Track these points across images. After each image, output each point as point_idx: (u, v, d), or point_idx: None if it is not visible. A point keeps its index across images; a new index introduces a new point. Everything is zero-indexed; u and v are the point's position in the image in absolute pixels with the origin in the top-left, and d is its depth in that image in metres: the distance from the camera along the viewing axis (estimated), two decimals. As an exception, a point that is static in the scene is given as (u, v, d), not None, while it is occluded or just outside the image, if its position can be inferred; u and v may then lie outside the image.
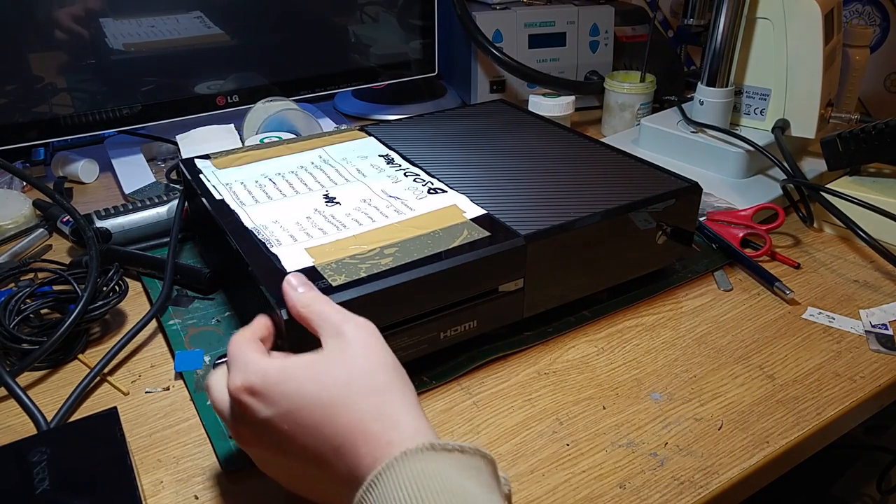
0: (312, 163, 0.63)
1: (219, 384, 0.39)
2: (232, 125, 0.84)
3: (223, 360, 0.46)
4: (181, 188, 0.68)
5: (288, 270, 0.45)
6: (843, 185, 0.70)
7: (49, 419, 0.46)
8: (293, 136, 0.78)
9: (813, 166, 0.79)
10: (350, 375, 0.35)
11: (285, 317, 0.41)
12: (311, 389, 0.34)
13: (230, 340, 0.38)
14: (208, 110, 0.85)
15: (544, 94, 0.90)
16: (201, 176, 0.61)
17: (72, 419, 0.46)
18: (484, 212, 0.53)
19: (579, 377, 0.51)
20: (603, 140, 0.76)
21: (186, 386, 0.50)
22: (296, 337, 0.42)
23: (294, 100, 0.84)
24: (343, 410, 0.34)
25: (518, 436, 0.46)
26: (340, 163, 0.63)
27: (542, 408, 0.48)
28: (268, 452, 0.37)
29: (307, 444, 0.34)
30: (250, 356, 0.36)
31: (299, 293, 0.41)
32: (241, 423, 0.36)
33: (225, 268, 0.58)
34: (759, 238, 0.66)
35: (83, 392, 0.49)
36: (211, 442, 0.45)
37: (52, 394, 0.50)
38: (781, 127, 0.75)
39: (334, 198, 0.56)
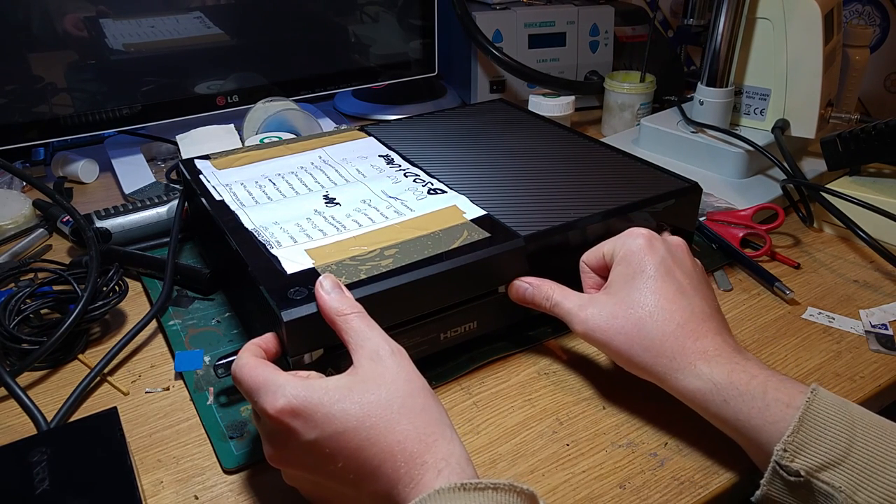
0: (312, 163, 0.63)
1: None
2: (232, 125, 0.84)
3: (224, 360, 0.46)
4: (181, 188, 0.68)
5: (288, 272, 0.45)
6: (843, 185, 0.70)
7: (49, 419, 0.46)
8: (293, 136, 0.78)
9: (813, 166, 0.79)
10: (390, 398, 0.35)
11: (286, 319, 0.41)
12: (355, 412, 0.35)
13: (242, 364, 0.38)
14: (208, 110, 0.85)
15: (544, 94, 0.90)
16: (201, 176, 0.61)
17: (72, 419, 0.46)
18: (484, 212, 0.53)
19: (579, 377, 0.51)
20: (603, 140, 0.76)
21: (186, 386, 0.50)
22: (296, 341, 0.42)
23: (294, 100, 0.84)
24: (385, 432, 0.34)
25: (518, 436, 0.46)
26: (340, 163, 0.63)
27: (542, 408, 0.48)
28: (304, 472, 0.37)
29: (347, 466, 0.34)
30: (281, 378, 0.36)
31: (333, 297, 0.41)
32: (281, 445, 0.36)
33: (225, 268, 0.58)
34: (759, 238, 0.66)
35: (83, 392, 0.49)
36: (211, 442, 0.45)
37: (52, 394, 0.50)
38: (781, 127, 0.75)
39: (334, 199, 0.56)
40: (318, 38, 0.90)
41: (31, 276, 0.62)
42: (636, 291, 0.45)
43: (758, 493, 0.37)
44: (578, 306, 0.47)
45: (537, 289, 0.49)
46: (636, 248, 0.46)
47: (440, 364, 0.51)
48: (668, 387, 0.43)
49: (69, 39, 0.75)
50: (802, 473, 0.35)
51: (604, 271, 0.49)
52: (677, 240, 0.49)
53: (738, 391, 0.40)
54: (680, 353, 0.42)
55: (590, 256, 0.50)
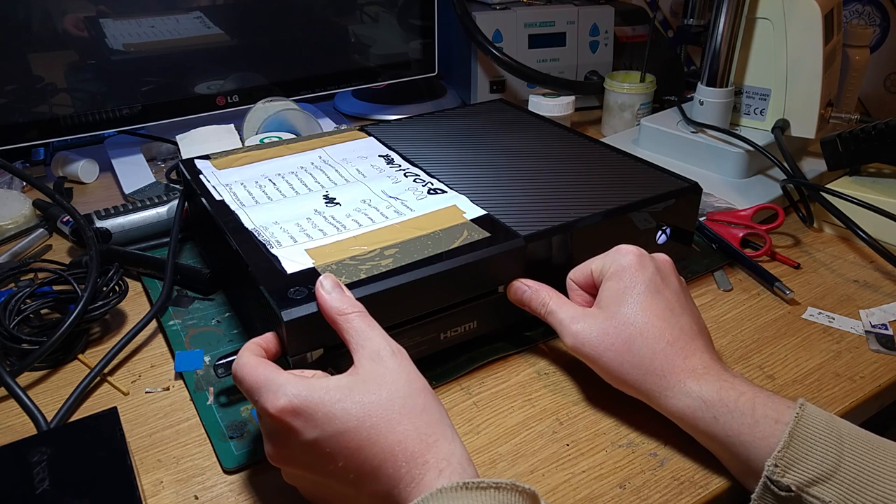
0: (312, 163, 0.63)
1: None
2: (232, 125, 0.84)
3: (224, 360, 0.46)
4: (181, 188, 0.69)
5: (288, 272, 0.45)
6: (843, 185, 0.70)
7: (49, 419, 0.46)
8: (293, 136, 0.78)
9: (813, 166, 0.79)
10: (391, 398, 0.35)
11: (286, 319, 0.41)
12: (356, 412, 0.35)
13: (243, 363, 0.38)
14: (208, 110, 0.85)
15: (544, 94, 0.90)
16: (201, 176, 0.61)
17: (72, 419, 0.45)
18: (484, 212, 0.53)
19: (579, 377, 0.51)
20: (603, 140, 0.76)
21: (186, 386, 0.50)
22: (296, 340, 0.42)
23: (294, 100, 0.84)
24: (385, 432, 0.34)
25: (518, 436, 0.46)
26: (340, 163, 0.63)
27: (542, 408, 0.48)
28: (304, 471, 0.37)
29: (348, 466, 0.35)
30: (282, 377, 0.36)
31: (333, 297, 0.41)
32: (281, 444, 0.36)
33: (225, 268, 0.58)
34: (759, 238, 0.66)
35: (83, 392, 0.49)
36: (211, 442, 0.45)
37: (52, 394, 0.50)
38: (781, 127, 0.75)
39: (334, 198, 0.56)
40: (318, 38, 0.90)
41: (31, 276, 0.62)
42: (627, 307, 0.45)
43: None
44: (571, 318, 0.47)
45: (535, 293, 0.49)
46: (627, 264, 0.47)
47: (440, 364, 0.51)
48: (656, 404, 0.44)
49: (69, 39, 0.75)
50: (793, 488, 0.35)
51: (591, 288, 0.49)
52: (664, 257, 0.49)
53: (728, 408, 0.40)
54: (670, 371, 0.43)
55: (577, 273, 0.50)
